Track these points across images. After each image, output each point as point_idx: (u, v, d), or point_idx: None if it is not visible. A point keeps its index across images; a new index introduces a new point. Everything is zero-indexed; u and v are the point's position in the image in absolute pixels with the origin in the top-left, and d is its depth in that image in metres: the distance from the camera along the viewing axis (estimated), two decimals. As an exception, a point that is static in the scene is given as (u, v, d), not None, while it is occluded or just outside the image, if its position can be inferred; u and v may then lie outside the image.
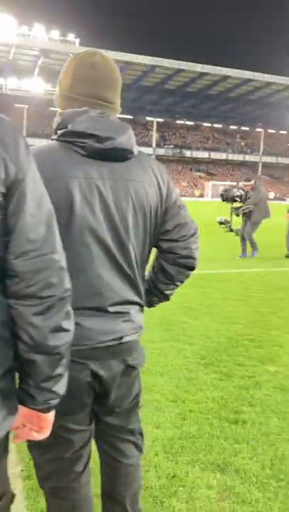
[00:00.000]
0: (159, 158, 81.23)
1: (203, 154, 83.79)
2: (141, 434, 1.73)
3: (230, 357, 3.94)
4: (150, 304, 1.83)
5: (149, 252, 1.64)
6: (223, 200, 10.90)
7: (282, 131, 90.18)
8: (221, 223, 10.82)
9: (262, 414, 2.95)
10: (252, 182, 10.45)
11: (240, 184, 11.29)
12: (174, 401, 3.09)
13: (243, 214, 10.02)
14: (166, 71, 65.83)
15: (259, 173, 76.83)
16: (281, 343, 4.35)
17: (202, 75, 67.10)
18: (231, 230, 10.76)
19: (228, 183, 74.70)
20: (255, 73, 67.73)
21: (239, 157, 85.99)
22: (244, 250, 9.95)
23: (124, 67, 62.70)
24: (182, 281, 1.80)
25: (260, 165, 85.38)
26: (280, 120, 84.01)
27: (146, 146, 79.37)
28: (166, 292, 1.79)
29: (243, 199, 10.25)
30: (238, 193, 10.47)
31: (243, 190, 10.50)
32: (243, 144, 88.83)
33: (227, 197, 10.64)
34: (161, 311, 5.24)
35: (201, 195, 68.37)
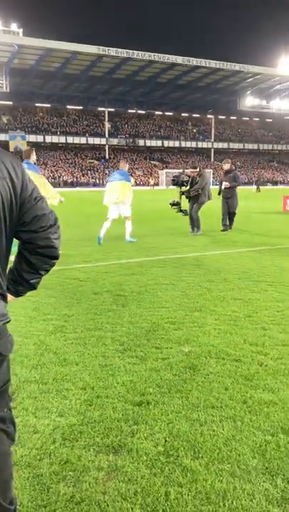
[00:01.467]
0: (113, 148, 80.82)
1: (156, 143, 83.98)
2: (12, 422, 1.73)
3: (149, 341, 4.00)
4: (17, 293, 1.85)
5: (9, 244, 1.67)
6: (174, 185, 12.03)
7: (232, 117, 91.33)
8: (172, 204, 11.88)
9: (167, 395, 3.01)
10: (198, 169, 11.97)
11: (187, 171, 12.43)
12: (83, 388, 3.11)
13: (192, 196, 11.60)
14: (113, 60, 65.23)
15: (212, 159, 77.69)
16: (202, 323, 4.44)
17: (150, 63, 66.92)
18: (181, 211, 11.81)
19: (180, 170, 75.08)
20: (203, 60, 68.13)
21: (192, 144, 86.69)
22: (193, 228, 11.65)
23: (72, 57, 61.73)
24: (47, 270, 1.84)
25: (213, 151, 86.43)
26: (229, 106, 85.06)
27: (99, 136, 78.70)
28: (32, 281, 1.83)
29: (190, 184, 11.71)
30: (186, 179, 11.81)
31: (189, 176, 11.84)
32: (194, 131, 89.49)
33: (178, 182, 11.80)
34: (91, 301, 5.28)
35: (156, 184, 68.58)
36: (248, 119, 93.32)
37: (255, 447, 2.43)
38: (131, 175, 10.10)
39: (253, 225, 14.01)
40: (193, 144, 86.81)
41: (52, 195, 8.64)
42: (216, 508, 2.00)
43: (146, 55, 64.49)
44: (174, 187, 12.25)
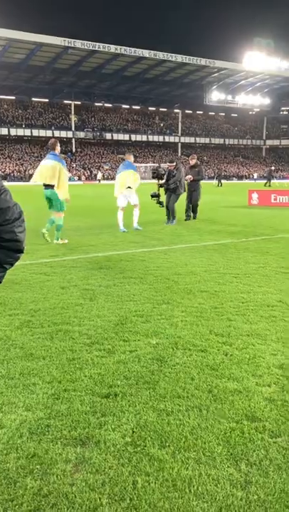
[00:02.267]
0: (80, 141, 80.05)
1: (124, 136, 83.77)
2: None
3: (117, 334, 4.02)
4: None
5: None
6: (154, 178, 12.81)
7: (198, 112, 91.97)
8: (153, 196, 12.68)
9: (134, 386, 3.04)
10: (174, 163, 12.87)
11: (164, 165, 13.95)
12: (50, 382, 3.11)
13: (169, 188, 12.56)
14: (80, 52, 64.50)
15: (179, 154, 78.06)
16: (169, 316, 4.49)
17: (117, 56, 66.51)
18: (159, 202, 12.61)
19: (150, 164, 75.17)
20: (169, 54, 68.23)
21: (159, 138, 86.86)
22: (169, 218, 12.63)
23: (36, 48, 60.63)
24: (11, 264, 1.83)
25: (180, 145, 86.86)
26: (196, 100, 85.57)
27: (65, 129, 77.79)
28: None
29: (166, 177, 12.62)
30: (163, 172, 12.71)
31: (165, 170, 12.88)
32: (162, 125, 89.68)
33: (158, 174, 12.63)
34: (59, 296, 5.25)
35: (124, 178, 68.40)
36: (214, 113, 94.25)
37: (220, 434, 2.49)
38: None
39: (219, 218, 14.21)
40: (161, 138, 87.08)
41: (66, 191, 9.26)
42: (182, 494, 2.04)
43: (113, 48, 64.10)
44: (154, 180, 12.95)
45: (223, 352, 3.60)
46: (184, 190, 12.96)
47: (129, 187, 10.92)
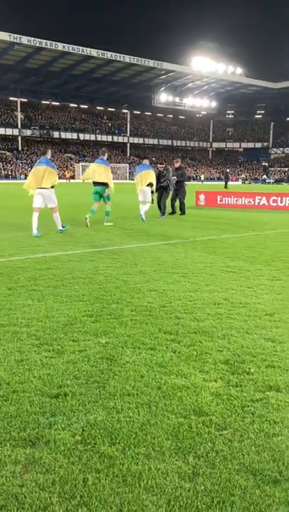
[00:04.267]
0: (27, 139, 78.42)
1: (71, 135, 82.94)
2: None
3: (66, 334, 4.00)
4: None
5: None
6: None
7: (147, 113, 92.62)
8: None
9: (84, 386, 3.05)
10: (164, 165, 15.56)
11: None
12: (-2, 384, 3.06)
13: (161, 187, 14.53)
14: (26, 49, 63.19)
15: (128, 154, 78.08)
16: (118, 315, 4.53)
17: (64, 54, 65.74)
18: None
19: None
20: (117, 54, 68.26)
21: (108, 138, 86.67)
22: (162, 213, 14.70)
23: (-20, 42, 58.84)
24: None
25: (129, 146, 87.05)
26: (144, 101, 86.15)
27: (11, 127, 76.01)
28: None
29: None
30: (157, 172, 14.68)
31: (158, 169, 15.12)
32: (110, 124, 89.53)
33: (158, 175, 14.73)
34: (6, 297, 5.15)
35: (72, 177, 67.78)
36: (162, 115, 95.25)
37: (169, 430, 2.55)
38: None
39: (167, 219, 14.42)
40: (109, 138, 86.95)
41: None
42: (132, 488, 2.08)
43: (60, 46, 63.27)
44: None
45: (171, 349, 3.68)
46: (173, 188, 15.19)
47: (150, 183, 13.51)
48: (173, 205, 15.81)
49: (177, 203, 15.94)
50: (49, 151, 11.01)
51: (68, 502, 2.00)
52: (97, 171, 11.87)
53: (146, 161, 14.29)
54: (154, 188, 13.94)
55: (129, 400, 2.87)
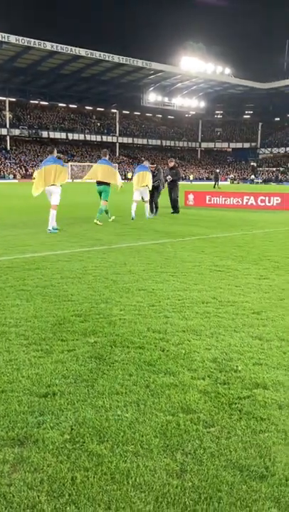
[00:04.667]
0: (15, 139, 77.96)
1: (60, 135, 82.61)
2: None
3: (55, 334, 4.00)
4: None
5: None
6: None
7: (136, 112, 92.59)
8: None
9: (73, 385, 3.06)
10: (155, 165, 15.72)
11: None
12: (-14, 384, 3.05)
13: (152, 187, 14.54)
14: (14, 48, 62.82)
15: (117, 154, 78.06)
16: (107, 314, 4.53)
17: (53, 53, 65.47)
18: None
19: (87, 163, 74.60)
20: (106, 54, 68.13)
21: (97, 138, 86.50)
22: (155, 212, 15.21)
23: None
24: None
25: (118, 145, 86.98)
26: (133, 101, 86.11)
27: (-1, 126, 75.43)
28: None
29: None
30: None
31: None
32: (99, 124, 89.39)
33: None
34: (-7, 297, 5.12)
35: (61, 177, 67.49)
36: (151, 115, 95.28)
37: (157, 427, 2.57)
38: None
39: (156, 218, 14.44)
40: (98, 138, 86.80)
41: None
42: (121, 486, 2.10)
43: (49, 46, 62.99)
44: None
45: (160, 348, 3.70)
46: (164, 187, 15.73)
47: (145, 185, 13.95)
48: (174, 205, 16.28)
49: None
50: (55, 150, 11.42)
51: (57, 500, 2.01)
52: (100, 171, 12.48)
53: (146, 163, 14.92)
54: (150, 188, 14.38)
55: (117, 398, 2.89)
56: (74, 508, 1.97)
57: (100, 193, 12.68)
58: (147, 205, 14.54)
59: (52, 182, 10.58)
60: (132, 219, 13.49)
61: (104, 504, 1.99)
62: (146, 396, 2.92)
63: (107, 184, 12.54)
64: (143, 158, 16.92)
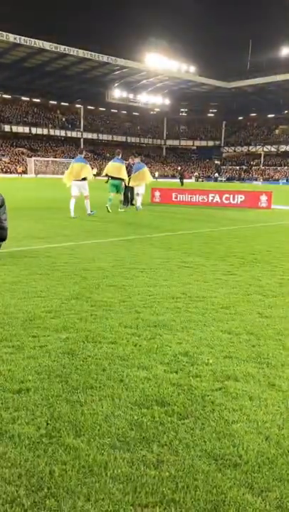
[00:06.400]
0: (-24, 133, 75.90)
1: (23, 129, 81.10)
2: None
3: (26, 330, 3.97)
4: None
5: None
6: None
7: (101, 108, 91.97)
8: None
9: (46, 380, 3.05)
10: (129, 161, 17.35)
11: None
12: None
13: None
14: (-25, 39, 61.09)
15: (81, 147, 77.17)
16: (78, 310, 4.53)
17: (15, 46, 64.11)
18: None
19: (51, 159, 73.64)
20: (71, 48, 67.27)
21: (61, 133, 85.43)
22: (124, 204, 16.51)
23: None
24: None
25: (82, 141, 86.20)
26: (98, 97, 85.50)
27: None
28: None
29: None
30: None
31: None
32: (63, 119, 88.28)
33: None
34: None
35: (24, 172, 66.40)
36: (116, 111, 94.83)
37: (133, 420, 2.61)
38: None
39: (123, 215, 14.46)
40: (63, 133, 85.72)
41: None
42: (99, 478, 2.12)
43: (12, 38, 61.61)
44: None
45: (132, 343, 3.73)
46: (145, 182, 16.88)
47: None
48: (130, 198, 17.19)
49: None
50: (84, 152, 14.87)
51: (35, 494, 2.01)
52: (116, 168, 15.21)
53: (138, 161, 17.03)
54: (127, 181, 15.87)
55: (92, 392, 2.90)
56: (53, 501, 1.98)
57: (114, 187, 15.33)
58: (140, 198, 16.31)
59: (77, 177, 13.11)
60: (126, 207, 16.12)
61: (83, 496, 2.01)
62: (121, 390, 2.95)
63: (121, 180, 15.29)
64: (136, 154, 19.77)
